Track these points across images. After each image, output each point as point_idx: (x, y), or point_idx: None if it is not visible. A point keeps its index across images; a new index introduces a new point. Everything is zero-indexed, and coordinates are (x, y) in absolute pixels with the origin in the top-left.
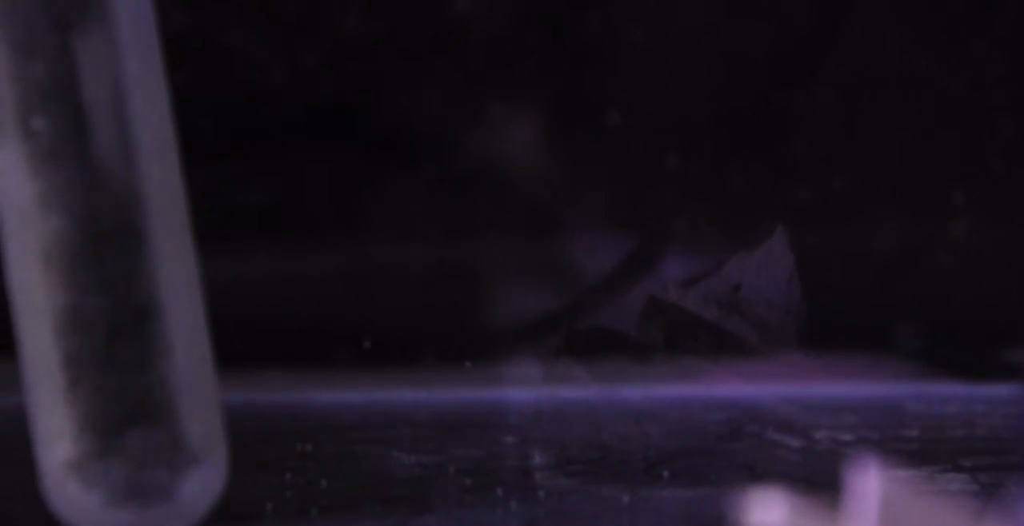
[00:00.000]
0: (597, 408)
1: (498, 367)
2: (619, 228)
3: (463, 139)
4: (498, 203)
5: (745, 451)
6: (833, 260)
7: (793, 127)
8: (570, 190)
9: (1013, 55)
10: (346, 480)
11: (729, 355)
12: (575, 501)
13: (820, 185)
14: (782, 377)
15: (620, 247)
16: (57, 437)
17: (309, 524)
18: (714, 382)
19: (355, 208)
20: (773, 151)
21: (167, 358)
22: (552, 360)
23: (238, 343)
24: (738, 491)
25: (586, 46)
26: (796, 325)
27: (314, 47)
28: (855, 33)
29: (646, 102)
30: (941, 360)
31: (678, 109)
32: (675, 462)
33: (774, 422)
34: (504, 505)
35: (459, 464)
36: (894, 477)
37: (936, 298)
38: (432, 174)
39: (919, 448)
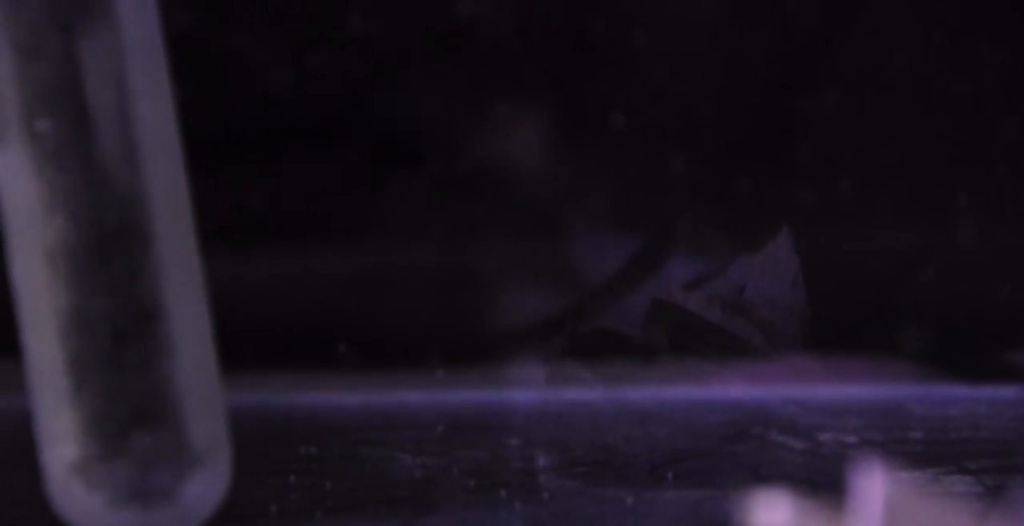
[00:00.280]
0: (601, 410)
1: (502, 369)
2: (623, 230)
3: (468, 141)
4: (503, 205)
5: (749, 453)
6: (838, 262)
7: (798, 129)
8: (575, 192)
9: (1018, 58)
10: (350, 482)
11: (733, 357)
12: (579, 503)
13: (825, 187)
14: (786, 379)
15: (624, 249)
16: (61, 439)
17: None
18: (718, 384)
19: (360, 210)
20: (778, 153)
21: (171, 360)
22: (556, 362)
23: (242, 345)
24: (742, 493)
25: (591, 48)
26: (800, 327)
27: (319, 49)
28: (860, 36)
29: (650, 104)
30: (946, 362)
31: (683, 111)
32: (679, 464)
33: (778, 424)
34: (508, 507)
35: (463, 466)
36: (898, 479)
37: (941, 300)
38: (437, 176)
39: (923, 450)
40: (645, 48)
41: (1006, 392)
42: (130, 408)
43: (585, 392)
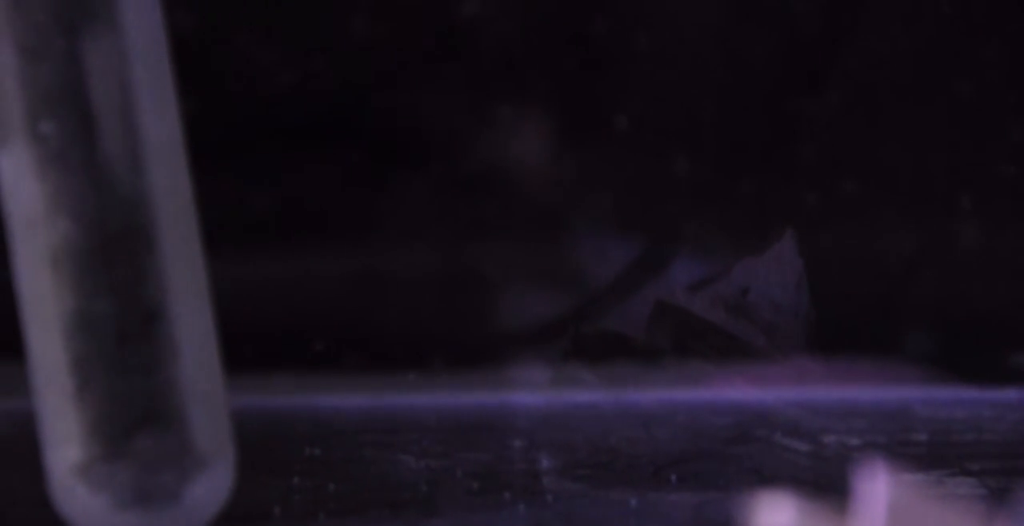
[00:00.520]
0: (605, 412)
1: (506, 371)
2: (627, 232)
3: (471, 143)
4: (506, 207)
5: (753, 455)
6: (841, 264)
7: (802, 131)
8: (578, 194)
9: (1022, 58)
10: (354, 484)
11: (737, 359)
12: (583, 505)
13: (829, 189)
14: (790, 381)
15: (628, 251)
16: (65, 441)
17: None
18: (722, 386)
19: (363, 212)
20: (781, 155)
21: (175, 362)
22: (560, 364)
23: (246, 346)
24: (746, 495)
25: (595, 49)
26: (804, 329)
27: (321, 50)
28: (863, 37)
29: (654, 106)
30: (949, 364)
31: (686, 113)
32: (683, 466)
33: (782, 426)
34: (511, 509)
35: (467, 468)
36: (902, 481)
37: (945, 302)
38: (440, 178)
39: (927, 452)
40: (648, 50)
41: (1010, 394)
42: (134, 410)
43: (589, 394)
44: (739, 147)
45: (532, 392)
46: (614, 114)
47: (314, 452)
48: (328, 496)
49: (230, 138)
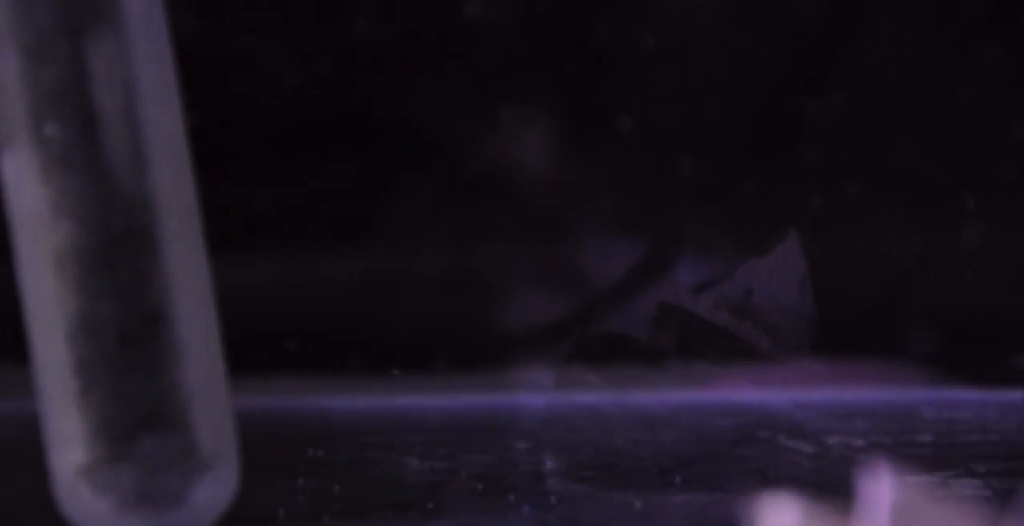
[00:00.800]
0: (609, 414)
1: (510, 372)
2: (631, 234)
3: (476, 145)
4: (510, 209)
5: (757, 456)
6: (845, 265)
7: (805, 133)
8: (582, 196)
9: None
10: (358, 485)
11: (741, 360)
12: (587, 507)
13: (832, 191)
14: (794, 383)
15: (632, 253)
16: (68, 443)
17: None
18: (726, 387)
19: (367, 214)
20: (785, 157)
21: (179, 364)
22: (564, 365)
23: (250, 349)
24: (750, 496)
25: (598, 51)
26: (808, 331)
27: (326, 53)
28: (867, 39)
29: (658, 107)
30: (954, 365)
31: (690, 115)
32: (687, 467)
33: (786, 428)
34: (516, 510)
35: (471, 469)
36: (907, 483)
37: (949, 304)
38: (445, 180)
39: (932, 453)
40: (652, 52)
41: (1014, 395)
42: (138, 412)
43: (593, 396)
44: (743, 149)
45: (536, 394)
46: (618, 116)
47: (318, 454)
48: (333, 498)
49: (234, 140)
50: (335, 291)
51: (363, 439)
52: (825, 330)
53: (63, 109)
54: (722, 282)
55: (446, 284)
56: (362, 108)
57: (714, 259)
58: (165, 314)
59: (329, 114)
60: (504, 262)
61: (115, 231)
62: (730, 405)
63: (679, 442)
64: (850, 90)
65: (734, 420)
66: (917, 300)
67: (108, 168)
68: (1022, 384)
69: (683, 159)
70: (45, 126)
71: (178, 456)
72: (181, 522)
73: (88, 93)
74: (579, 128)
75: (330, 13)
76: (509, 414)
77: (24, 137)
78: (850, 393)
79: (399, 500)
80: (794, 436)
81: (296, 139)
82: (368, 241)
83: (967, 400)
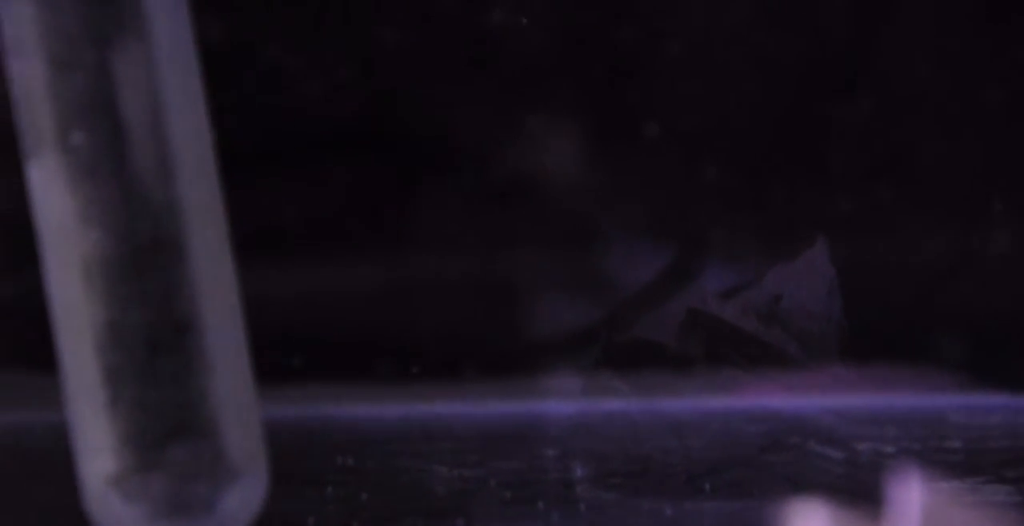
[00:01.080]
0: (637, 420)
1: (538, 380)
2: (658, 240)
3: (502, 151)
4: (537, 215)
5: (786, 463)
6: (874, 270)
7: (833, 137)
8: (609, 202)
9: None
10: (387, 493)
11: (769, 367)
12: (616, 514)
13: (860, 195)
14: (823, 388)
15: (659, 259)
16: (98, 452)
17: None
18: (755, 394)
19: (394, 221)
20: (813, 162)
21: (207, 372)
22: (592, 372)
23: (278, 357)
24: (780, 503)
25: (624, 57)
26: (837, 336)
27: (351, 60)
28: (894, 42)
29: (684, 112)
30: (984, 371)
31: (717, 119)
32: (716, 474)
33: (815, 434)
34: (545, 518)
35: (500, 477)
36: (937, 489)
37: (978, 308)
38: (471, 187)
39: (962, 459)
40: (678, 57)
41: None
42: (167, 421)
43: (621, 402)
44: (770, 154)
45: (564, 401)
46: (644, 121)
47: (347, 462)
48: (361, 506)
49: (260, 148)
50: (363, 298)
51: (392, 447)
52: (854, 335)
53: (90, 118)
54: (750, 288)
55: (474, 291)
56: (388, 115)
57: (742, 265)
58: (193, 323)
59: (355, 122)
60: (532, 269)
61: (143, 240)
62: (759, 411)
63: (708, 449)
64: (878, 94)
65: (763, 426)
66: (947, 305)
67: (135, 177)
68: None
69: (710, 164)
70: (72, 135)
71: (207, 465)
72: None
73: (115, 102)
74: (606, 134)
75: (355, 21)
76: (538, 421)
77: (51, 146)
78: (879, 399)
79: (428, 508)
80: (823, 442)
81: (322, 147)
82: (396, 248)
83: (997, 405)
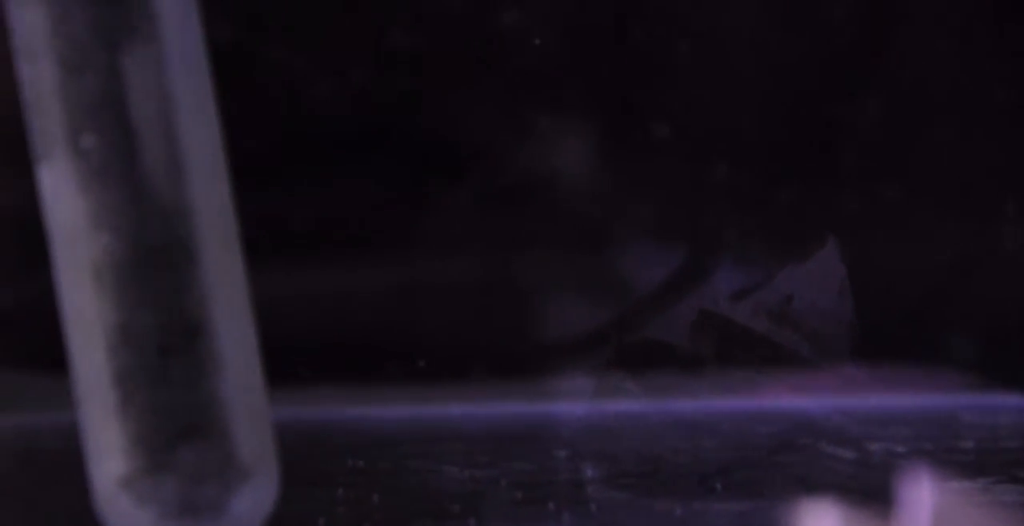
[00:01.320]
0: (648, 421)
1: (549, 381)
2: (669, 241)
3: (512, 153)
4: (547, 216)
5: (798, 463)
6: (885, 271)
7: (843, 138)
8: (619, 203)
9: None
10: (398, 495)
11: (781, 367)
12: (628, 515)
13: (871, 196)
14: (835, 389)
15: (670, 259)
16: (109, 454)
17: None
18: (766, 394)
19: (404, 223)
20: (823, 162)
21: (218, 375)
22: (603, 373)
23: (288, 359)
24: (791, 504)
25: (634, 58)
26: (848, 336)
27: (361, 62)
28: (904, 43)
29: (694, 114)
30: (996, 371)
31: (727, 121)
32: (728, 475)
33: (827, 434)
34: (556, 519)
35: (511, 478)
36: (949, 489)
37: (990, 308)
38: (481, 188)
39: (974, 459)
40: (688, 58)
41: None
42: (177, 423)
43: (632, 403)
44: (780, 154)
45: (575, 402)
46: (655, 122)
47: (358, 463)
48: (372, 507)
49: (270, 150)
50: (373, 300)
51: (402, 448)
52: (865, 336)
53: (100, 121)
54: (761, 288)
55: (484, 292)
56: (398, 117)
57: (753, 265)
58: (204, 325)
59: (365, 124)
60: (542, 270)
61: (153, 243)
62: (770, 412)
63: (719, 449)
64: (889, 95)
65: (774, 427)
66: (958, 305)
67: (146, 180)
68: None
69: (721, 165)
70: (83, 138)
71: (218, 466)
72: None
73: (125, 105)
74: (617, 135)
75: (365, 23)
76: (548, 422)
77: (62, 149)
78: (891, 399)
79: (439, 509)
80: (835, 443)
81: (333, 149)
82: (406, 250)
83: (1009, 405)
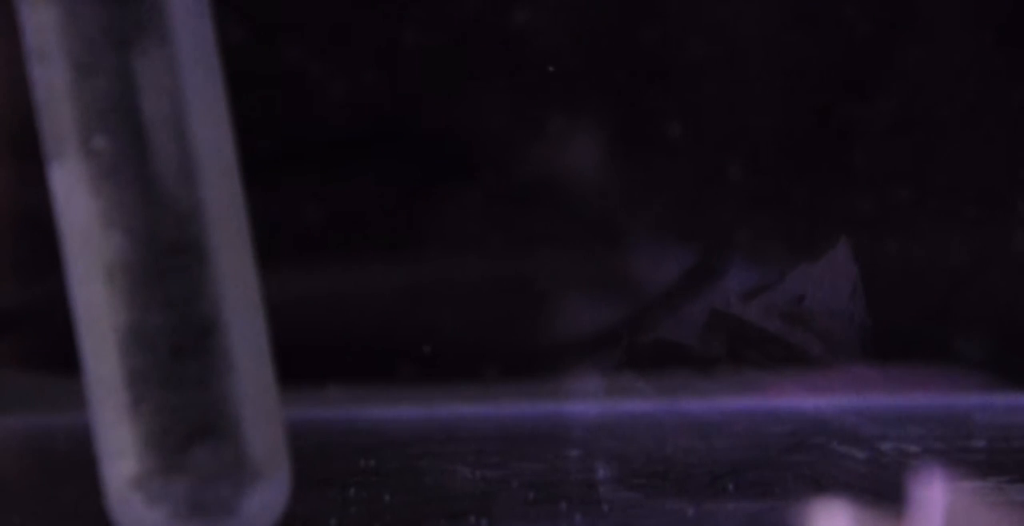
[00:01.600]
0: (660, 421)
1: (560, 380)
2: (681, 240)
3: (524, 153)
4: (559, 216)
5: (810, 463)
6: (897, 270)
7: (855, 138)
8: (631, 203)
9: None
10: (409, 495)
11: (793, 367)
12: (639, 515)
13: (883, 195)
14: (847, 388)
15: (682, 259)
16: (121, 454)
17: None
18: (778, 394)
19: (416, 223)
20: (835, 162)
21: (230, 375)
22: (615, 373)
23: (300, 359)
24: (803, 503)
25: (646, 58)
26: (860, 336)
27: (372, 62)
28: (917, 43)
29: (707, 114)
30: (1007, 370)
31: (740, 121)
32: (740, 475)
33: (839, 434)
34: (568, 519)
35: (522, 478)
36: (961, 488)
37: (1001, 307)
38: (492, 188)
39: (986, 459)
40: (700, 58)
41: None
42: (189, 423)
43: (644, 403)
44: (793, 154)
45: (587, 402)
46: (668, 123)
47: (369, 463)
48: (384, 507)
49: (283, 151)
50: (385, 300)
51: (414, 448)
52: (877, 335)
53: (112, 122)
54: (773, 288)
55: (497, 292)
56: (410, 117)
57: (765, 265)
58: (216, 325)
59: (377, 124)
60: (555, 270)
61: (165, 243)
62: (782, 412)
63: (731, 449)
64: (900, 95)
65: (786, 427)
66: (969, 304)
67: (157, 180)
68: None
69: (733, 165)
70: (94, 139)
71: (230, 467)
72: None
73: (137, 105)
74: (628, 135)
75: (376, 23)
76: (560, 422)
77: (73, 150)
78: (903, 399)
79: (451, 509)
80: (847, 442)
81: (344, 149)
82: (419, 250)
83: (1021, 405)
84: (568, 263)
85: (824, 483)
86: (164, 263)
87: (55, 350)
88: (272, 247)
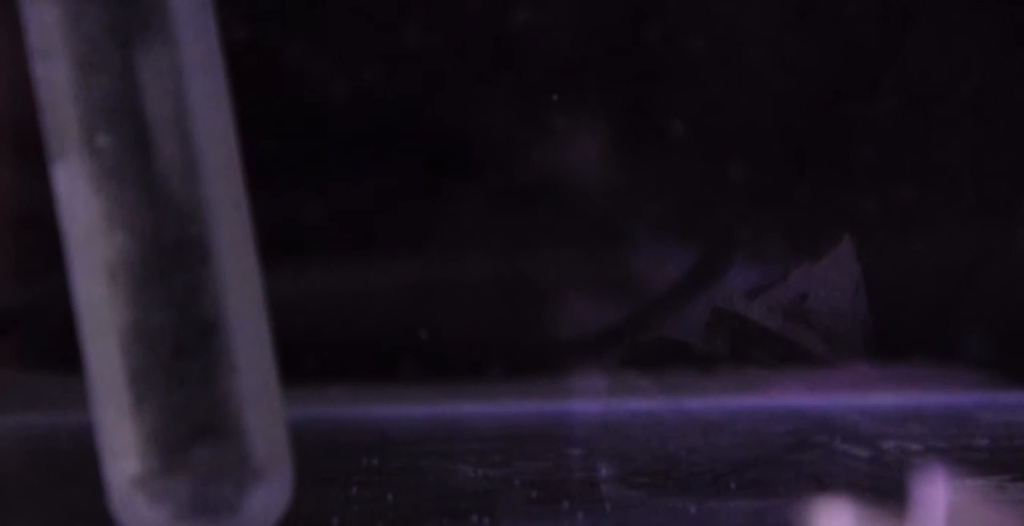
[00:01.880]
0: (663, 420)
1: (563, 379)
2: (683, 239)
3: (526, 151)
4: (562, 215)
5: (812, 462)
6: (900, 269)
7: (858, 136)
8: (634, 201)
9: None
10: (412, 494)
11: (795, 365)
12: (642, 513)
13: (886, 194)
14: (849, 387)
15: (685, 258)
16: (123, 453)
17: None
18: (780, 393)
19: (418, 221)
20: (838, 160)
21: (232, 374)
22: (617, 372)
23: (303, 358)
24: (806, 502)
25: (649, 56)
26: (863, 334)
27: (376, 61)
28: (920, 41)
29: (709, 112)
30: (1010, 368)
31: (742, 119)
32: (742, 473)
33: (841, 432)
34: (570, 518)
35: (525, 477)
36: (963, 487)
37: (1005, 306)
38: (495, 187)
39: (989, 457)
40: (703, 56)
41: None
42: (192, 422)
43: (646, 402)
44: (795, 152)
45: (590, 400)
46: (670, 121)
47: (372, 462)
48: (386, 506)
49: (285, 149)
50: (387, 299)
51: (417, 447)
52: (880, 334)
53: (115, 120)
54: (776, 287)
55: (499, 291)
56: (412, 116)
57: (767, 264)
58: (218, 324)
59: (379, 123)
60: (557, 268)
61: (168, 242)
62: (785, 410)
63: (733, 448)
64: (904, 93)
65: (789, 425)
66: (973, 303)
67: (160, 178)
68: None
69: (735, 164)
70: (97, 137)
71: (232, 466)
72: None
73: (139, 104)
74: (631, 133)
75: (379, 21)
76: (562, 421)
77: (76, 148)
78: (906, 397)
79: (453, 508)
80: (849, 441)
81: (347, 148)
82: (420, 248)
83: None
84: (570, 261)
85: (826, 482)
86: (167, 262)
87: (56, 349)
88: (275, 245)
